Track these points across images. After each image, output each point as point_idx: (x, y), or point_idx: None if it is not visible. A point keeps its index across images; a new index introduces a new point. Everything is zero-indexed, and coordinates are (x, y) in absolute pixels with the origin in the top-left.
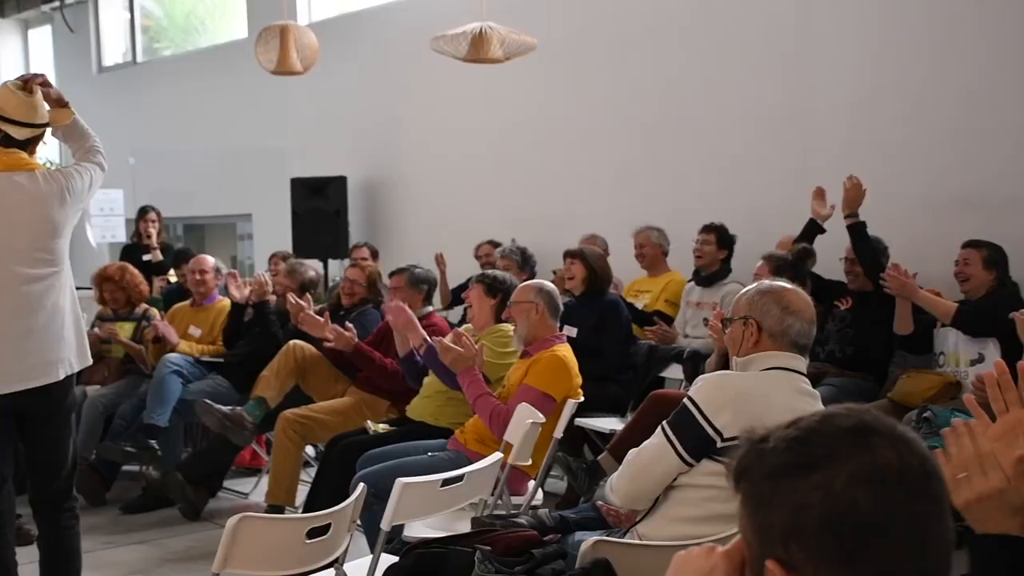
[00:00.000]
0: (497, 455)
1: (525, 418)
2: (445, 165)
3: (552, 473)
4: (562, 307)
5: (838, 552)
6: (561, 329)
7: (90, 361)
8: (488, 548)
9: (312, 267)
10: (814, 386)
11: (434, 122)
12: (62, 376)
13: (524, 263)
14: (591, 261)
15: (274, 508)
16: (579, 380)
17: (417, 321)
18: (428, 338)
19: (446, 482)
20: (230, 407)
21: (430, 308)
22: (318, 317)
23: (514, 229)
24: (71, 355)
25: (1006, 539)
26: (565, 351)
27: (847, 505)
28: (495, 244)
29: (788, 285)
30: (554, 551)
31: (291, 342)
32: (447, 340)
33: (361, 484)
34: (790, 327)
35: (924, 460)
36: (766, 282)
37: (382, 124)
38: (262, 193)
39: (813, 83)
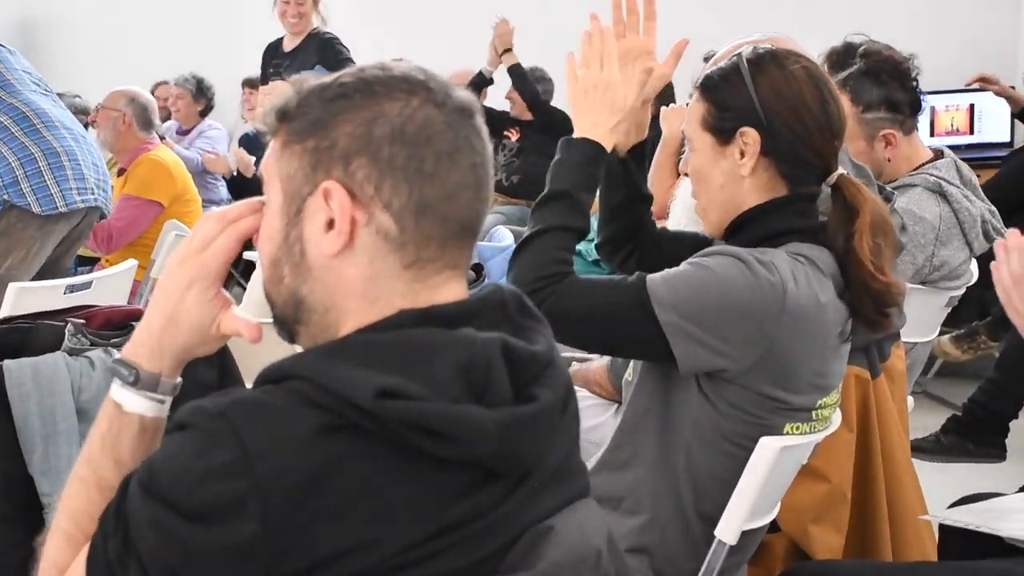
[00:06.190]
0: (131, 262)
1: (169, 231)
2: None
3: None
4: (156, 122)
5: (409, 164)
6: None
7: None
8: (82, 321)
9: None
10: None
11: None
12: None
13: (200, 93)
14: None
15: None
16: (185, 181)
17: None
18: None
19: (72, 288)
20: None
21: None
22: None
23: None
24: None
25: (587, 142)
26: (162, 153)
27: (424, 121)
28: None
29: None
30: None
31: None
32: None
33: None
34: None
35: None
36: None
37: None
38: None
39: None
